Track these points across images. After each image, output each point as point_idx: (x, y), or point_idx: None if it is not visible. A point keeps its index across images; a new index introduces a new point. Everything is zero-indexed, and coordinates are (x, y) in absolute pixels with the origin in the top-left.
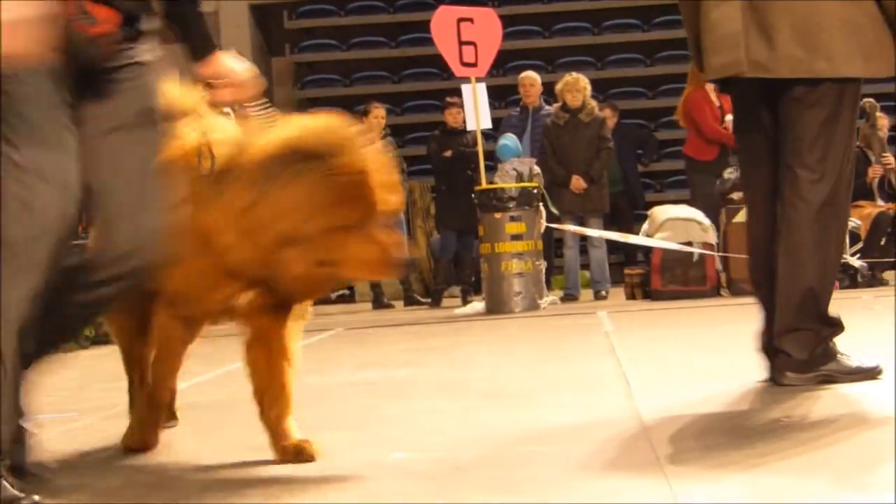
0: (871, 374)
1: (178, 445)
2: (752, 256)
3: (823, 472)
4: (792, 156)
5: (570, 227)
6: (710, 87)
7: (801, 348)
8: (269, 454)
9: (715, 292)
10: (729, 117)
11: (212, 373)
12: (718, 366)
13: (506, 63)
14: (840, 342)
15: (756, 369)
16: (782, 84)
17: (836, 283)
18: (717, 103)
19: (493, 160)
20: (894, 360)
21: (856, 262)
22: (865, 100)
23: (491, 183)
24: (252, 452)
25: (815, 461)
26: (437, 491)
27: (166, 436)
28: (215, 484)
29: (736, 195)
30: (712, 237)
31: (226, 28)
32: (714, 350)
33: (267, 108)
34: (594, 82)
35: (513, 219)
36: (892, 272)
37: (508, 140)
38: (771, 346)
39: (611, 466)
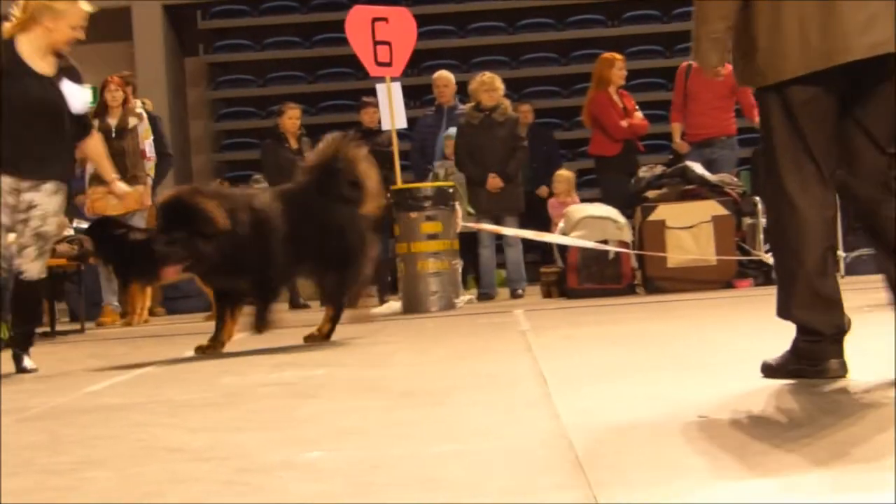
0: None
1: (95, 447)
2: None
3: (765, 473)
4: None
5: (486, 227)
6: (612, 90)
7: None
8: (188, 455)
9: (631, 290)
10: (639, 114)
11: (128, 374)
12: (635, 363)
13: (421, 62)
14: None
15: (672, 367)
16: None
17: (751, 280)
18: (620, 104)
19: (408, 159)
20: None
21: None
22: None
23: (407, 182)
24: (170, 454)
25: (748, 458)
26: (354, 490)
27: (74, 435)
28: (130, 485)
29: (651, 193)
30: (627, 235)
31: (139, 28)
32: (631, 347)
33: None
34: (508, 81)
35: (429, 218)
36: None
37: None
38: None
39: (528, 464)
